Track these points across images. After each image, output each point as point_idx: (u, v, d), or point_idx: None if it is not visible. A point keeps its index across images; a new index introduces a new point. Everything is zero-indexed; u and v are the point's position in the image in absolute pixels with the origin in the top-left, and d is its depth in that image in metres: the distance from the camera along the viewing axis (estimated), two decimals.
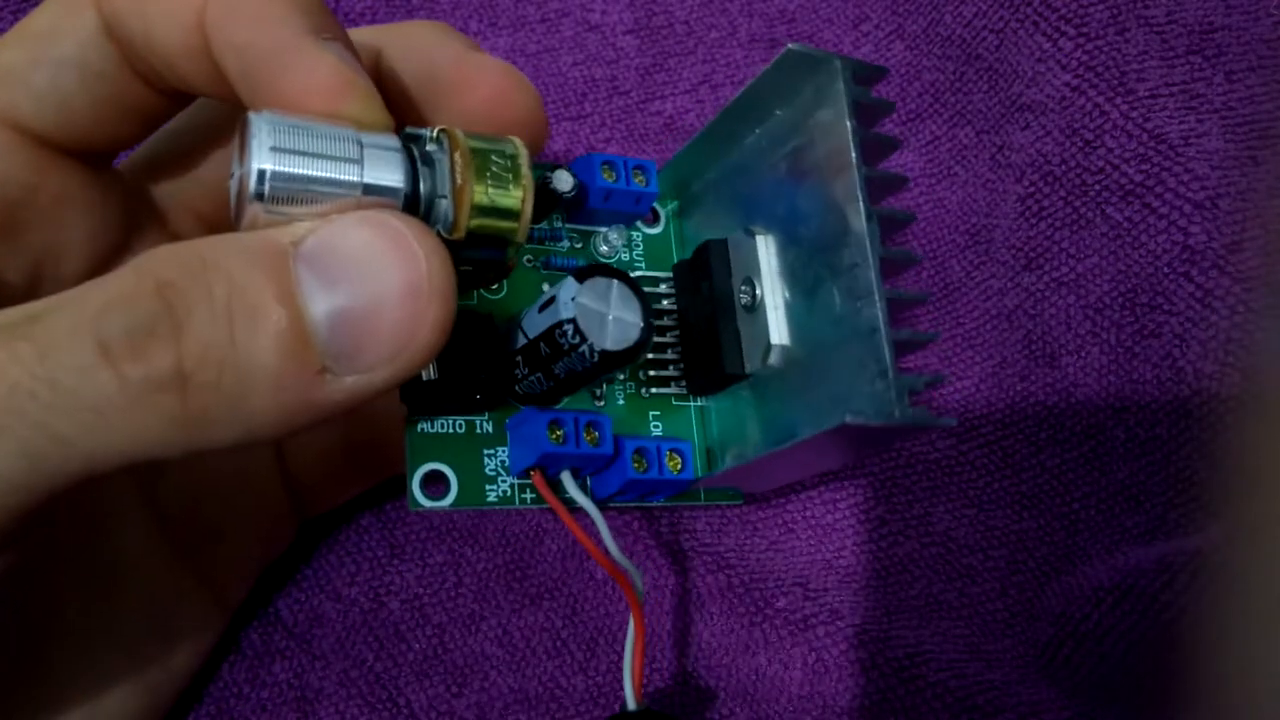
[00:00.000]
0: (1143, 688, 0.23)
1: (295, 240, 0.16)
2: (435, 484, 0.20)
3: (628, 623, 0.21)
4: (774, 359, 0.21)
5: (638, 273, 0.23)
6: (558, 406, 0.21)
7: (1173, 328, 0.25)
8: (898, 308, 0.19)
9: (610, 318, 0.19)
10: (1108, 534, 0.26)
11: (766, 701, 0.25)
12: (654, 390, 0.23)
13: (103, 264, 0.21)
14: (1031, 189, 0.28)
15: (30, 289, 0.20)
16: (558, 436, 0.20)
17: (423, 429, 0.20)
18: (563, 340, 0.19)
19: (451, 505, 0.20)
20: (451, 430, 0.21)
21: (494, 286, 0.22)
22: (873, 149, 0.20)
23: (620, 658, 0.26)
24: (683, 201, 0.24)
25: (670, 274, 0.23)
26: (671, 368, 0.23)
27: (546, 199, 0.21)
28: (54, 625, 0.20)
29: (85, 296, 0.15)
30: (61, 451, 0.15)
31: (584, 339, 0.18)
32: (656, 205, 0.24)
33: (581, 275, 0.19)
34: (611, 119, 0.32)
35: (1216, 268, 0.25)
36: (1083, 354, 0.26)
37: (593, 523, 0.21)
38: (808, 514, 0.27)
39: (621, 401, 0.23)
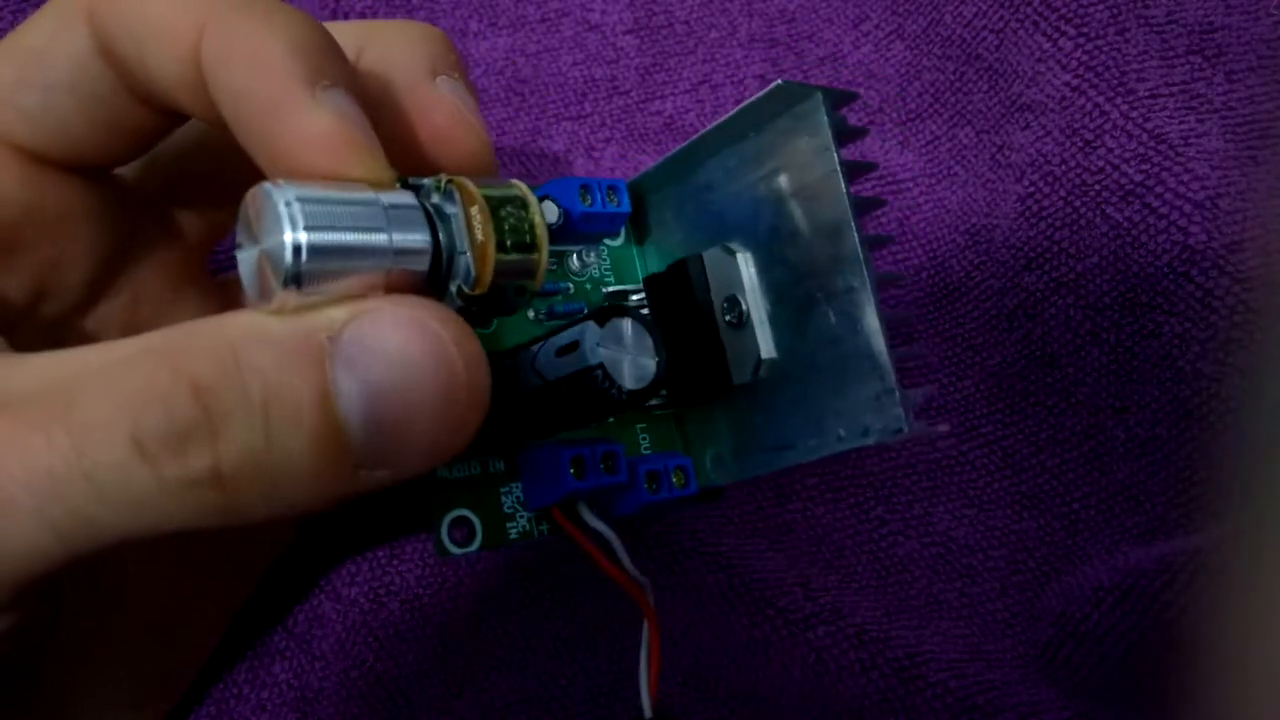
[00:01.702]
0: (1143, 688, 0.23)
1: (331, 333, 0.15)
2: (459, 528, 0.20)
3: (641, 631, 0.21)
4: (763, 373, 0.21)
5: (610, 287, 0.23)
6: (560, 436, 0.21)
7: (1173, 328, 0.25)
8: (891, 323, 0.20)
9: (629, 357, 0.19)
10: (1108, 534, 0.26)
11: (766, 701, 0.25)
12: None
13: (107, 274, 0.21)
14: (1031, 189, 0.28)
15: (33, 305, 0.20)
16: (579, 472, 0.20)
17: (441, 475, 0.20)
18: (592, 385, 0.19)
19: (478, 549, 0.21)
20: (468, 473, 0.21)
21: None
22: (853, 173, 0.20)
23: (621, 657, 0.26)
24: (638, 213, 0.24)
25: (639, 286, 0.23)
26: None
27: None
28: (51, 634, 0.20)
29: (119, 385, 0.15)
30: (93, 532, 0.15)
31: (613, 383, 0.19)
32: None
33: (601, 319, 0.19)
34: (611, 119, 0.32)
35: (1216, 268, 0.25)
36: (1083, 354, 0.26)
37: (607, 542, 0.21)
38: (808, 514, 0.27)
39: (611, 420, 0.23)
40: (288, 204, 0.15)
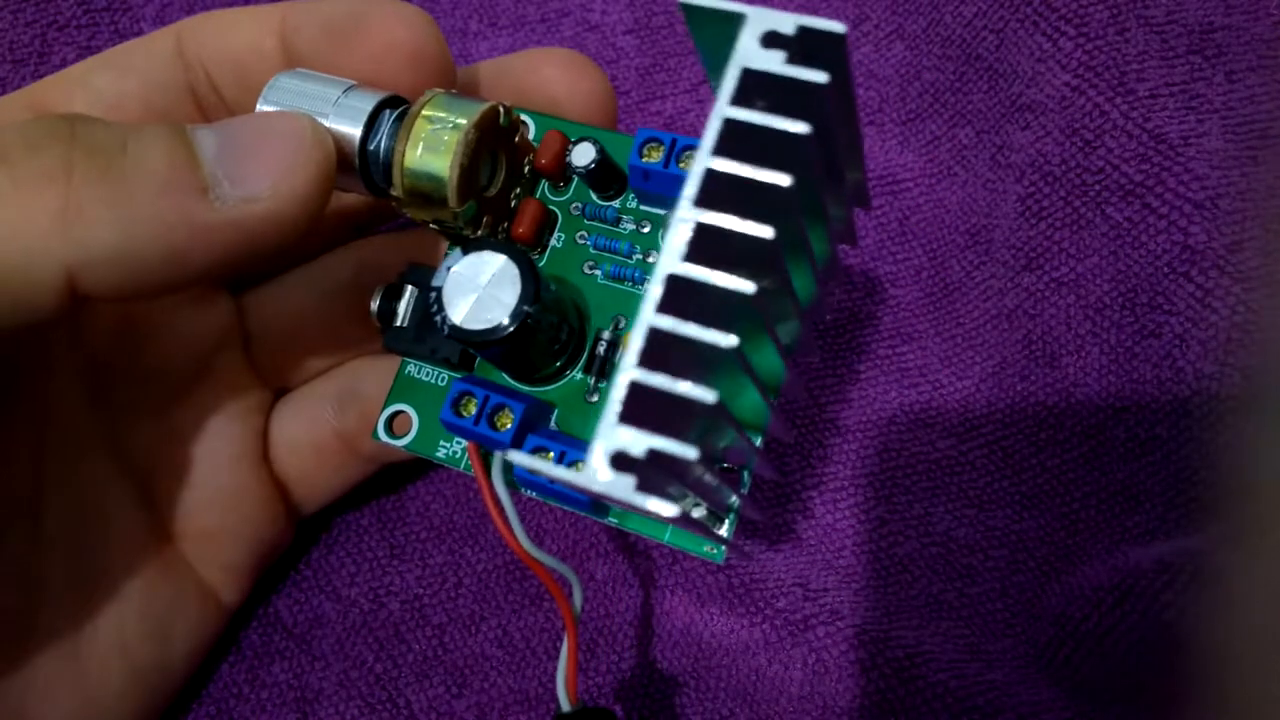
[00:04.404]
0: (1143, 688, 0.23)
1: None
2: (402, 425, 0.21)
3: (580, 625, 0.21)
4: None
5: None
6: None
7: (1173, 328, 0.25)
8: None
9: (480, 296, 0.18)
10: (1108, 534, 0.26)
11: (766, 701, 0.25)
12: None
13: (202, 365, 0.24)
14: (1031, 189, 0.28)
15: None
16: (459, 410, 0.19)
17: (410, 372, 0.21)
18: (432, 305, 0.18)
19: (405, 447, 0.21)
20: (433, 381, 0.21)
21: (536, 250, 0.21)
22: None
23: (620, 659, 0.26)
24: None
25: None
26: None
27: (568, 172, 0.21)
28: (43, 625, 0.20)
29: None
30: None
31: (440, 308, 0.18)
32: None
33: (469, 246, 0.19)
34: None
35: (1216, 268, 0.25)
36: (1083, 354, 0.26)
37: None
38: (808, 514, 0.27)
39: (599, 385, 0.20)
40: (273, 83, 0.20)
